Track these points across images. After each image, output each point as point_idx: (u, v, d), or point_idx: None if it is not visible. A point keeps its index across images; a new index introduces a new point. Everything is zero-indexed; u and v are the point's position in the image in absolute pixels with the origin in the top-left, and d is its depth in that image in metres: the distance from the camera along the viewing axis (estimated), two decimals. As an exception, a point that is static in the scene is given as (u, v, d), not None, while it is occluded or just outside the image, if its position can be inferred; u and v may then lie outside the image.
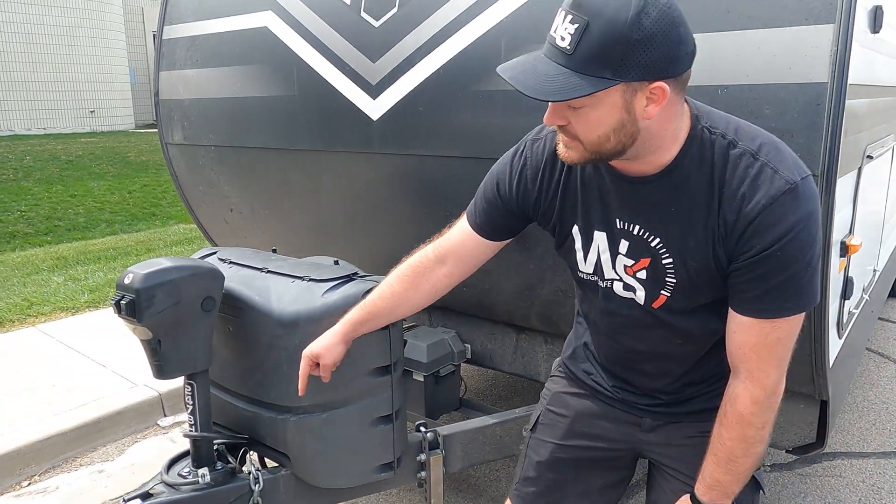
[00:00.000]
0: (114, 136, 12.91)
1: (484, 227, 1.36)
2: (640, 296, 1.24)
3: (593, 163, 1.14)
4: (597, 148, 1.08)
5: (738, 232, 1.09)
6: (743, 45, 1.51)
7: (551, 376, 1.61)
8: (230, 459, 1.81)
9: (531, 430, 1.58)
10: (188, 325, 1.66)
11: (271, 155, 2.48)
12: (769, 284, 1.09)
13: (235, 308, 1.75)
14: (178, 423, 3.22)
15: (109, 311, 4.42)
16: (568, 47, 0.99)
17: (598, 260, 1.27)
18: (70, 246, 6.34)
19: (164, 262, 1.65)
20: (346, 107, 2.15)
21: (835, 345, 1.82)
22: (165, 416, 3.27)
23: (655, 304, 1.24)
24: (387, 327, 1.69)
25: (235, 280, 1.78)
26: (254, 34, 2.40)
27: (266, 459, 1.90)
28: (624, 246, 1.22)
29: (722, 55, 1.53)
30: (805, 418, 1.81)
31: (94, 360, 3.64)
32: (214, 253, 2.01)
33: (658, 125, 1.07)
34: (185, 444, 1.81)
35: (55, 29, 12.91)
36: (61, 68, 13.13)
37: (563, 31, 1.00)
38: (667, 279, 1.20)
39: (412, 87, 1.99)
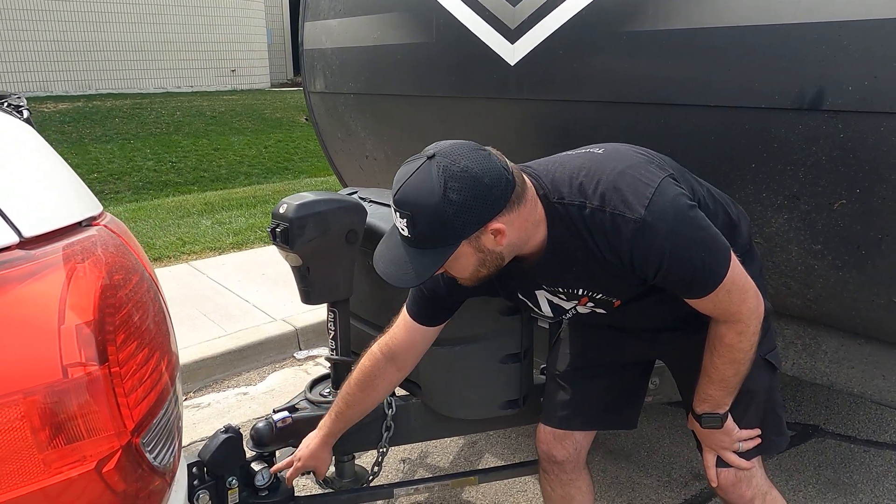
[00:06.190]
0: (251, 94, 13.69)
1: (430, 318, 1.52)
2: (601, 309, 1.47)
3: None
4: (477, 278, 1.29)
5: (630, 267, 1.27)
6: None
7: None
8: (364, 385, 1.93)
9: (552, 343, 1.78)
10: (333, 256, 1.77)
11: (407, 102, 2.54)
12: (686, 281, 1.27)
13: (376, 243, 1.84)
14: (312, 357, 3.46)
15: (252, 252, 4.78)
16: (409, 236, 1.20)
17: (552, 305, 1.49)
18: (215, 193, 6.87)
19: (313, 195, 1.77)
20: (484, 52, 2.15)
21: None
22: (300, 349, 3.52)
23: (616, 305, 1.44)
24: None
25: (376, 217, 1.87)
26: (395, -18, 2.45)
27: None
28: (562, 295, 1.45)
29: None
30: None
31: (238, 294, 3.97)
32: (355, 192, 2.12)
33: (516, 235, 1.25)
34: (322, 372, 1.94)
35: (202, -9, 13.79)
36: (206, 29, 14.01)
37: (400, 223, 1.21)
38: (609, 299, 1.42)
39: (553, 31, 1.96)
